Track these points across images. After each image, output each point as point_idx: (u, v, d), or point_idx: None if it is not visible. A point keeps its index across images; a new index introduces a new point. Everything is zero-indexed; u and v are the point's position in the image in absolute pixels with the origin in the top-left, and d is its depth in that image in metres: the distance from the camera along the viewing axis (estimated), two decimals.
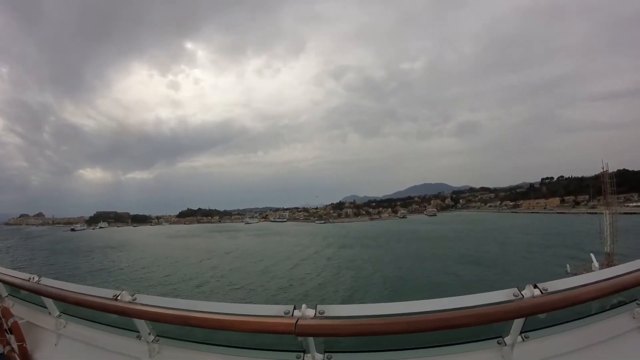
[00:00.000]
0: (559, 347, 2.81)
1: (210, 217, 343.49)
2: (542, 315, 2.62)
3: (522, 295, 2.50)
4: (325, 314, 2.60)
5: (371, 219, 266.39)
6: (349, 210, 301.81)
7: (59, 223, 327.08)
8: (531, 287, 2.53)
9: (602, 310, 3.02)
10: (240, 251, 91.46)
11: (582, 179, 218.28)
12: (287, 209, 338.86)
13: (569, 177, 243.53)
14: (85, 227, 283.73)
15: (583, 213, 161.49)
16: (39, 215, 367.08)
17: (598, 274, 2.75)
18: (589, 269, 32.23)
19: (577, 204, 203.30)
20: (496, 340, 2.83)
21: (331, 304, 2.78)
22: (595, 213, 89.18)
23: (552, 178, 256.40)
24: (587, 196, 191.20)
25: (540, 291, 2.49)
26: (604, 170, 50.29)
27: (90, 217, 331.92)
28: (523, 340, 2.78)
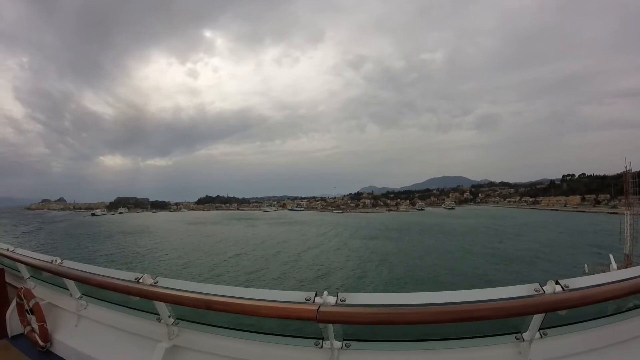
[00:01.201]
0: (577, 346, 2.76)
1: (228, 205, 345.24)
2: (562, 312, 2.63)
3: (544, 291, 2.46)
4: (346, 302, 2.60)
5: (388, 211, 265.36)
6: (367, 201, 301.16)
7: (79, 208, 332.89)
8: (553, 283, 2.50)
9: (619, 311, 2.93)
10: (260, 240, 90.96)
11: (604, 177, 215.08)
12: (304, 198, 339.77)
13: (590, 175, 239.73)
14: (105, 212, 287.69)
15: (603, 212, 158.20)
16: (60, 200, 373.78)
17: (619, 274, 2.68)
18: (607, 270, 31.82)
19: (598, 202, 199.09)
20: (514, 335, 2.79)
21: (352, 292, 2.65)
22: (616, 213, 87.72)
23: (573, 175, 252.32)
24: (608, 195, 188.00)
25: (562, 287, 2.47)
26: (627, 169, 49.32)
27: (111, 203, 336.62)
28: (541, 337, 2.73)
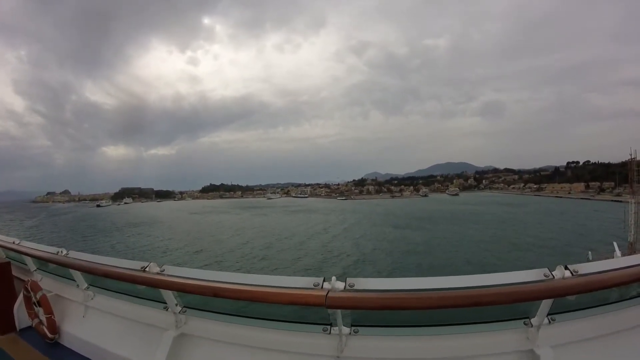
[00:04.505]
0: (585, 332, 2.77)
1: (232, 193, 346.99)
2: (571, 298, 2.63)
3: (553, 276, 2.45)
4: (354, 287, 2.58)
5: (392, 197, 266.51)
6: (371, 187, 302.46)
7: (84, 200, 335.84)
8: (562, 268, 2.49)
9: (623, 298, 2.93)
10: (281, 230, 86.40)
11: (609, 165, 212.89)
12: (308, 185, 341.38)
13: (595, 163, 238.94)
14: (110, 203, 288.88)
15: (607, 200, 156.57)
16: (65, 192, 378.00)
17: (626, 260, 2.66)
18: (611, 258, 31.65)
19: (602, 190, 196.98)
20: (522, 321, 2.78)
21: (360, 277, 2.69)
22: (620, 201, 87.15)
23: (577, 162, 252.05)
24: (612, 183, 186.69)
25: (571, 273, 2.45)
26: (632, 157, 49.16)
27: (115, 193, 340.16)
28: (549, 322, 2.72)
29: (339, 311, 2.78)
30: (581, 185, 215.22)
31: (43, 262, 5.00)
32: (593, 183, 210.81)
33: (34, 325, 4.60)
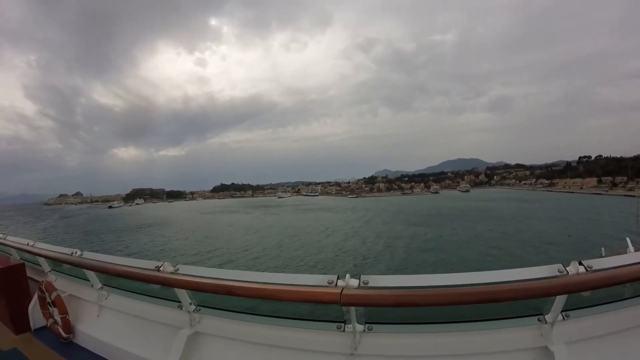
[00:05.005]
0: (599, 328, 2.72)
1: (243, 192, 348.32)
2: (586, 294, 2.64)
3: (567, 272, 2.42)
4: (369, 284, 2.57)
5: (403, 194, 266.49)
6: (381, 185, 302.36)
7: (96, 201, 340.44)
8: (576, 263, 2.45)
9: (638, 294, 2.84)
10: (291, 230, 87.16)
11: (621, 159, 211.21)
12: (319, 183, 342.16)
13: (607, 157, 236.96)
14: (122, 204, 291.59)
15: (620, 195, 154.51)
16: (77, 194, 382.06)
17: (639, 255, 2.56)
18: (625, 253, 31.22)
19: (614, 185, 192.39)
20: (536, 317, 2.75)
21: (374, 274, 2.68)
22: (633, 196, 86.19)
23: (589, 157, 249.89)
24: (625, 177, 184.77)
25: (585, 268, 2.42)
26: None
27: (127, 194, 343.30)
28: (564, 319, 2.69)
29: (352, 308, 2.77)
30: (593, 180, 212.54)
31: (57, 263, 5.05)
32: (605, 178, 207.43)
33: (48, 325, 4.66)
